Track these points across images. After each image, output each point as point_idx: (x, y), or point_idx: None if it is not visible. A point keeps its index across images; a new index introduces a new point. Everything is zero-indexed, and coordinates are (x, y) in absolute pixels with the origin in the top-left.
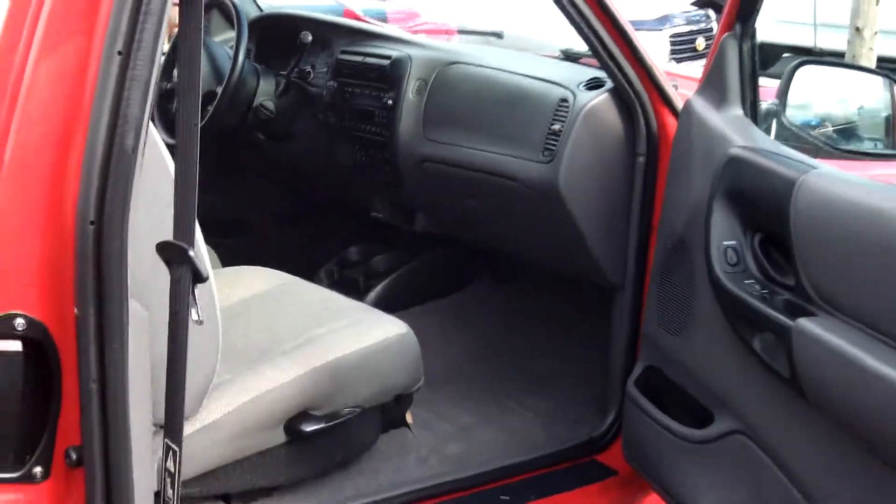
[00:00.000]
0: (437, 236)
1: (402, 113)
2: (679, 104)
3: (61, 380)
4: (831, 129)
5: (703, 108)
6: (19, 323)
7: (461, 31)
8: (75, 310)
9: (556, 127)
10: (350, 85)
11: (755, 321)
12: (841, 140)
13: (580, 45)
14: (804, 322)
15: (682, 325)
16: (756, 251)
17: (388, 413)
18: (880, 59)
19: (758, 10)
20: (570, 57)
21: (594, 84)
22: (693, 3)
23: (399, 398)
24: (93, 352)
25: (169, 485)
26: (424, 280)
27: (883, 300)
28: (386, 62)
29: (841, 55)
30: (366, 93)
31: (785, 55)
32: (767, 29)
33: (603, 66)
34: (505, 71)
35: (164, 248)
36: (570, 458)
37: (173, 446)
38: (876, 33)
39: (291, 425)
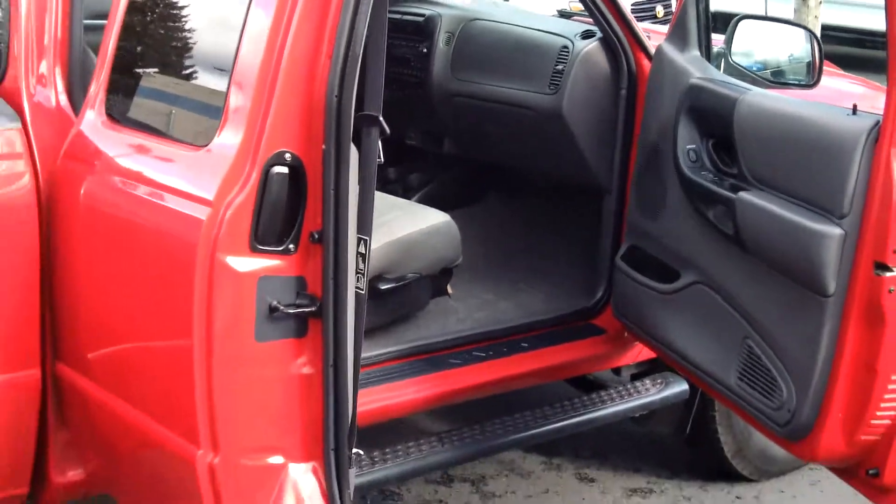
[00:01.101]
0: (459, 158)
1: (434, 59)
2: (652, 50)
3: (307, 190)
4: (768, 71)
5: (671, 51)
6: (287, 156)
7: None
8: (323, 146)
9: (560, 67)
10: (390, 37)
11: (710, 198)
12: (773, 76)
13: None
14: (743, 194)
15: (656, 210)
16: (710, 151)
17: (436, 283)
18: (824, 27)
19: None
20: (564, 15)
21: (587, 34)
22: None
23: (444, 270)
24: (332, 172)
25: (361, 260)
26: (449, 193)
27: (793, 174)
28: (420, 18)
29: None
30: (403, 43)
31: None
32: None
33: (595, 22)
34: (517, 25)
35: (363, 117)
36: (570, 321)
37: (363, 237)
38: (820, 2)
39: (371, 284)
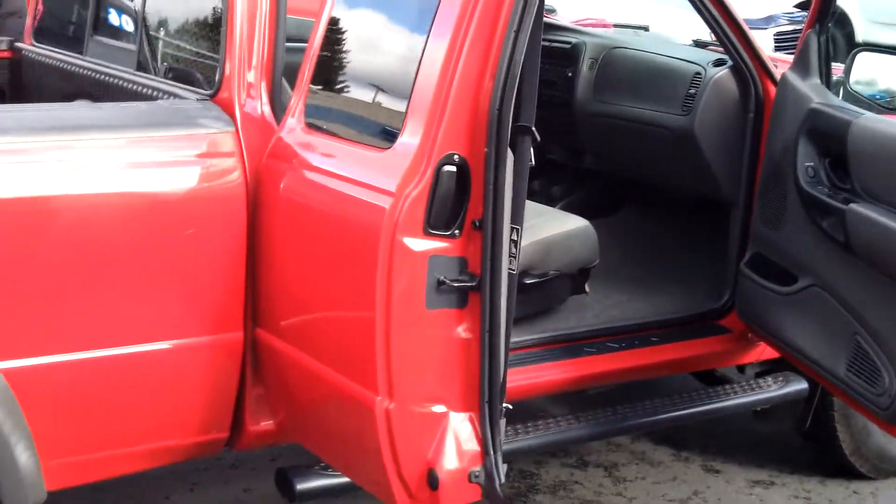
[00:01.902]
0: (598, 172)
1: (578, 82)
2: (777, 77)
3: (471, 185)
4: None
5: (794, 79)
6: (455, 157)
7: (616, 25)
8: (486, 150)
9: (692, 91)
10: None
11: (824, 210)
12: (890, 103)
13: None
14: (854, 206)
15: (777, 221)
16: (826, 168)
17: (575, 281)
18: None
19: (831, 14)
20: (699, 44)
21: (719, 62)
22: (795, 6)
23: (582, 270)
24: (492, 171)
25: (513, 246)
26: (588, 204)
27: None
28: (567, 46)
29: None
30: (550, 67)
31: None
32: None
33: (725, 50)
34: (654, 53)
35: (518, 127)
36: (698, 321)
37: (516, 226)
38: None
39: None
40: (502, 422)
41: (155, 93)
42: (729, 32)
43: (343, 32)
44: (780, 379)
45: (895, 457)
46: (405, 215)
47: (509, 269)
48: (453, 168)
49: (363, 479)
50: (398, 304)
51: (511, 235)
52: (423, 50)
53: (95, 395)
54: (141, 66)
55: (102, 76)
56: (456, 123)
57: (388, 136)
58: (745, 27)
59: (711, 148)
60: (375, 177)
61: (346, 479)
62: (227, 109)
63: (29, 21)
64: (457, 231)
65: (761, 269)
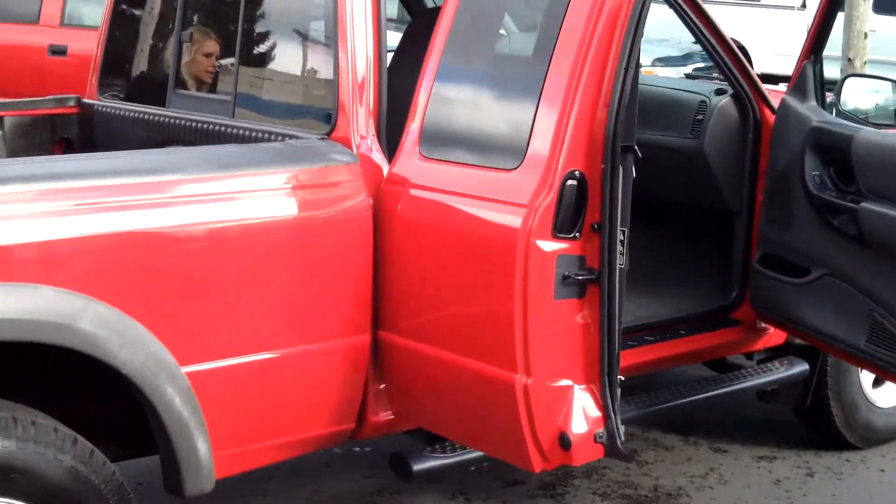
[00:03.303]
0: None
1: None
2: (773, 103)
3: (588, 195)
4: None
5: (793, 102)
6: (576, 173)
7: None
8: (602, 165)
9: (699, 117)
10: None
11: (834, 209)
12: (875, 119)
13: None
14: (865, 204)
15: (785, 223)
16: (831, 176)
17: None
18: None
19: (823, 46)
20: (693, 77)
21: (720, 91)
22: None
23: None
24: (608, 183)
25: (621, 245)
26: None
27: None
28: None
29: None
30: None
31: None
32: None
33: (727, 81)
34: (662, 87)
35: (624, 146)
36: (713, 315)
37: (623, 228)
38: (865, 63)
39: None
40: (618, 391)
41: (267, 135)
42: (732, 67)
43: (456, 70)
44: (786, 362)
45: (879, 427)
46: (538, 223)
47: (619, 264)
48: (574, 182)
49: (496, 448)
50: (533, 296)
51: (620, 236)
52: (542, 86)
53: (255, 393)
54: (239, 114)
55: (197, 124)
56: (575, 145)
57: (512, 159)
58: (745, 62)
59: (718, 165)
60: (507, 193)
61: (453, 459)
62: (345, 146)
63: (94, 78)
64: (577, 234)
65: (773, 266)
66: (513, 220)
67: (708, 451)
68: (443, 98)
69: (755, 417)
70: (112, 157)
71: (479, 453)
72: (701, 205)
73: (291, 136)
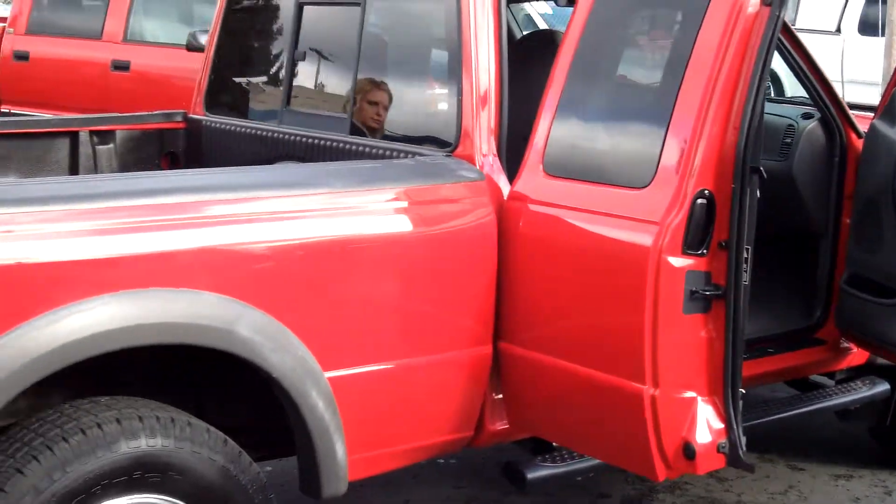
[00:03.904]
0: None
1: None
2: (859, 127)
3: (716, 214)
4: None
5: (883, 127)
6: (706, 192)
7: None
8: (732, 185)
9: (787, 140)
10: None
11: None
12: None
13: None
14: None
15: (875, 244)
16: None
17: None
18: None
19: None
20: (784, 101)
21: (807, 115)
22: None
23: None
24: (737, 202)
25: (745, 262)
26: None
27: None
28: None
29: None
30: None
31: None
32: None
33: (815, 105)
34: None
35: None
36: (798, 334)
37: (748, 246)
38: None
39: None
40: (741, 404)
41: (386, 152)
42: (820, 91)
43: (582, 91)
44: (867, 381)
45: None
46: (669, 239)
47: (744, 281)
48: (704, 201)
49: (618, 457)
50: (663, 310)
51: (745, 254)
52: (673, 108)
53: (386, 400)
54: (355, 131)
55: (312, 140)
56: (705, 166)
57: (642, 178)
58: (833, 87)
59: (805, 187)
60: (638, 210)
61: (564, 469)
62: (469, 163)
63: (201, 93)
64: (705, 251)
65: (860, 286)
66: (644, 236)
67: (785, 468)
68: (568, 118)
69: (830, 437)
70: (261, 171)
71: (588, 463)
72: (787, 226)
73: (412, 154)
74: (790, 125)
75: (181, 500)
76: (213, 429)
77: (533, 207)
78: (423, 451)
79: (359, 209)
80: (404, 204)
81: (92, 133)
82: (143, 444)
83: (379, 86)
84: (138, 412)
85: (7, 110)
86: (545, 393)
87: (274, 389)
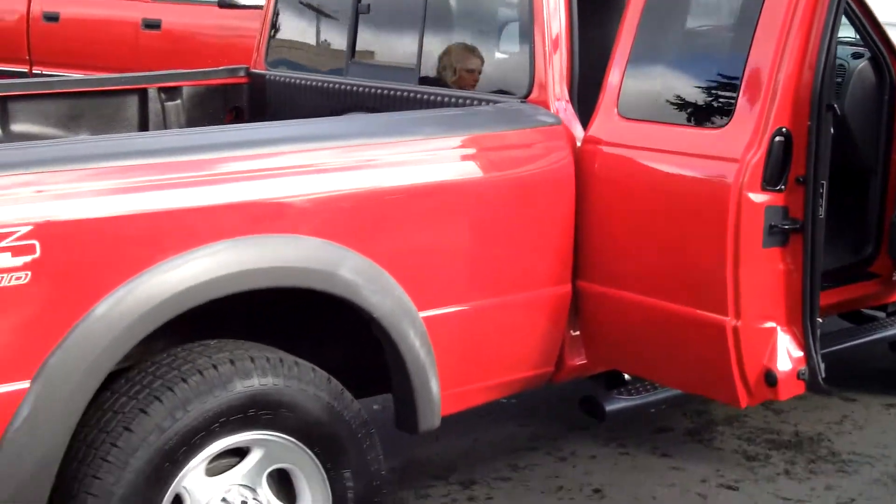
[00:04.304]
0: None
1: None
2: None
3: (793, 151)
4: None
5: None
6: (783, 130)
7: None
8: (808, 123)
9: (838, 80)
10: None
11: None
12: None
13: None
14: None
15: None
16: None
17: None
18: None
19: None
20: None
21: (857, 55)
22: None
23: None
24: (813, 139)
25: (820, 196)
26: None
27: None
28: None
29: None
30: None
31: None
32: None
33: (865, 45)
34: None
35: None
36: (852, 268)
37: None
38: None
39: None
40: (818, 333)
41: (456, 100)
42: (870, 30)
43: (657, 34)
44: None
45: None
46: (749, 176)
47: (820, 215)
48: (782, 138)
49: (701, 387)
50: (744, 245)
51: (820, 189)
52: (749, 49)
53: (475, 338)
54: (424, 80)
55: (380, 91)
56: (783, 105)
57: (720, 119)
58: (883, 26)
59: (856, 126)
60: (718, 149)
61: (639, 401)
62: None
63: (262, 48)
64: (782, 186)
65: None
66: (726, 174)
67: (839, 399)
68: (643, 61)
69: (883, 368)
70: (357, 119)
71: (661, 396)
72: (838, 164)
73: (484, 101)
74: (841, 65)
75: (291, 435)
76: (317, 368)
77: (608, 150)
78: (507, 386)
79: (448, 155)
80: (489, 149)
81: (160, 90)
82: (256, 383)
83: (473, 51)
84: (248, 353)
85: (39, 71)
86: (626, 328)
87: (373, 329)
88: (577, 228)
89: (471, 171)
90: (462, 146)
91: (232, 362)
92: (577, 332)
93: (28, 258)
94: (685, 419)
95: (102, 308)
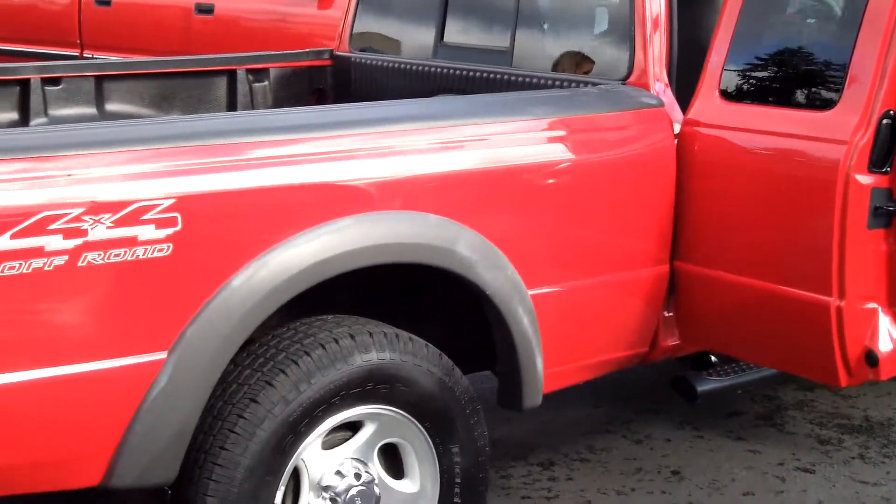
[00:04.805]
0: None
1: None
2: None
3: None
4: None
5: None
6: (891, 113)
7: None
8: None
9: None
10: None
11: None
12: None
13: None
14: None
15: None
16: None
17: None
18: None
19: None
20: None
21: None
22: None
23: None
24: None
25: None
26: None
27: None
28: None
29: None
30: None
31: None
32: None
33: None
34: None
35: None
36: None
37: None
38: None
39: None
40: None
41: (552, 82)
42: None
43: (760, 16)
44: None
45: None
46: (856, 158)
47: None
48: (889, 121)
49: (800, 367)
50: (850, 226)
51: None
52: (858, 32)
53: (576, 317)
54: (517, 63)
55: (472, 73)
56: (891, 88)
57: (827, 101)
58: None
59: None
60: (825, 131)
61: (731, 382)
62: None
63: (346, 31)
64: (888, 168)
65: None
66: (833, 155)
67: None
68: (746, 44)
69: None
70: (468, 100)
71: (750, 377)
72: None
73: (580, 83)
74: None
75: (404, 409)
76: (429, 344)
77: (710, 132)
78: (603, 365)
79: (559, 136)
80: (597, 129)
81: (248, 71)
82: (375, 357)
83: (586, 57)
84: (365, 328)
85: (89, 55)
86: (723, 308)
87: (484, 306)
88: (677, 210)
89: (580, 151)
90: (572, 127)
91: (352, 337)
92: (670, 313)
93: (170, 230)
94: (755, 404)
95: (238, 281)
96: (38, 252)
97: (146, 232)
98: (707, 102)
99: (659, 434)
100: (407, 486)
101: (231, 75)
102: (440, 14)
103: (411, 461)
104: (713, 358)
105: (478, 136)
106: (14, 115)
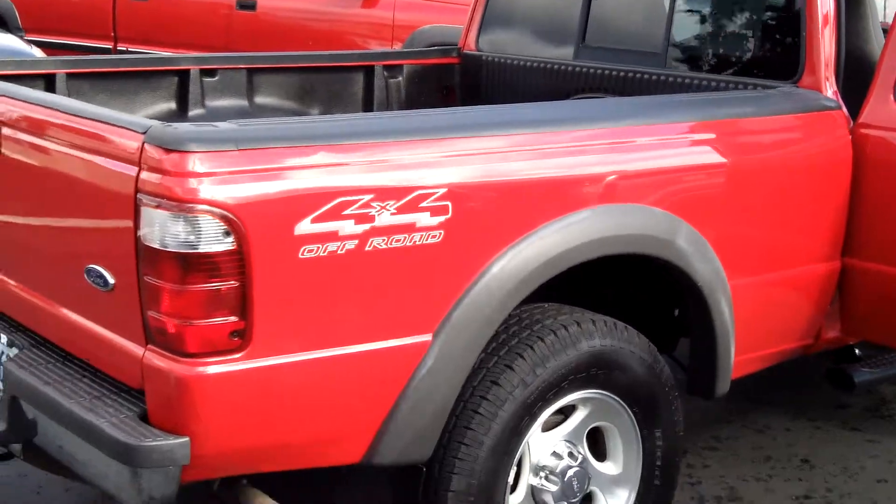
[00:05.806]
0: None
1: None
2: None
3: None
4: None
5: None
6: None
7: None
8: None
9: None
10: None
11: None
12: None
13: None
14: None
15: None
16: None
17: None
18: None
19: None
20: None
21: None
22: None
23: None
24: None
25: None
26: None
27: None
28: None
29: None
30: None
31: None
32: None
33: None
34: None
35: None
36: None
37: None
38: None
39: None
40: None
41: (711, 84)
42: None
43: None
44: None
45: None
46: None
47: None
48: None
49: None
50: None
51: None
52: None
53: (760, 307)
54: (670, 65)
55: (621, 73)
56: None
57: None
58: None
59: None
60: None
61: (884, 373)
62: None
63: (473, 30)
64: None
65: None
66: None
67: None
68: None
69: None
70: (686, 101)
71: None
72: None
73: (740, 85)
74: None
75: (617, 394)
76: (640, 333)
77: (882, 134)
78: (774, 356)
79: (756, 136)
80: (785, 130)
81: (384, 68)
82: (598, 343)
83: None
84: (586, 316)
85: (124, 48)
86: (891, 301)
87: (689, 297)
88: (851, 208)
89: (773, 151)
90: (768, 128)
91: (578, 324)
92: (833, 305)
93: (442, 218)
94: (858, 397)
95: (496, 267)
96: (333, 236)
97: (423, 219)
98: (881, 106)
99: (777, 424)
100: (610, 468)
101: (368, 71)
102: (584, 13)
103: (615, 444)
104: (857, 351)
105: (694, 135)
106: (172, 105)
